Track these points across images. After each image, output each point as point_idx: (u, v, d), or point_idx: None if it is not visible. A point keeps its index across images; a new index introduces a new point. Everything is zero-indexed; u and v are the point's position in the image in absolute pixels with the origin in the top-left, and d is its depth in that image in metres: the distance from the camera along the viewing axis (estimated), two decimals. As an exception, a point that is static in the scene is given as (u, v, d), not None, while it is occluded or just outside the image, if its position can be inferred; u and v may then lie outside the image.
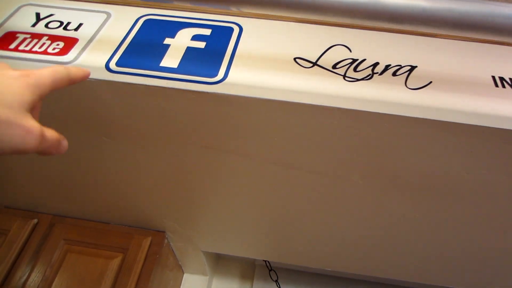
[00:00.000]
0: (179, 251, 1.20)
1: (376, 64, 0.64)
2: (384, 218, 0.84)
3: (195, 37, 0.69)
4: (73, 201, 1.03)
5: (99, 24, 0.71)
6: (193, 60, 0.65)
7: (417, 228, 0.85)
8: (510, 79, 0.63)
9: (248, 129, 0.67)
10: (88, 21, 0.72)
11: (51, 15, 0.74)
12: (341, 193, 0.79)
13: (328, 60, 0.65)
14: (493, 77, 0.63)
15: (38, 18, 0.73)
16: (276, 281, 1.43)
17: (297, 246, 1.05)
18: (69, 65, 0.64)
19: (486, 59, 0.66)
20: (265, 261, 1.42)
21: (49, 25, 0.71)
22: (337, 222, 0.89)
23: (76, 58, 0.65)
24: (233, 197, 0.88)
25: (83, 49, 0.67)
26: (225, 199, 0.90)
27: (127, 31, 0.70)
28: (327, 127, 0.63)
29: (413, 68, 0.64)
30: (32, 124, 0.33)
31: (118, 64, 0.64)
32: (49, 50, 0.66)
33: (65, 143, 0.37)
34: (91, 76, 0.61)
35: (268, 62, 0.64)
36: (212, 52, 0.66)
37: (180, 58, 0.65)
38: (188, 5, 0.72)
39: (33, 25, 0.71)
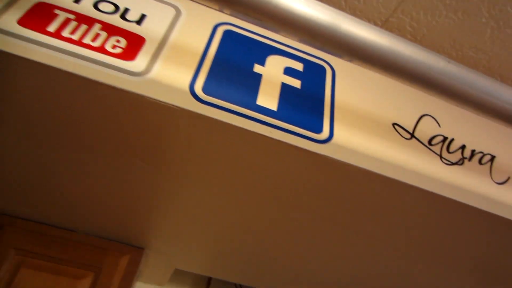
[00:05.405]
0: (148, 268, 1.06)
1: (463, 147, 0.62)
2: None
3: (288, 71, 0.58)
4: (31, 198, 0.81)
5: (169, 22, 0.55)
6: (293, 104, 0.54)
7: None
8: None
9: (334, 192, 0.59)
10: (152, 13, 0.55)
11: (99, -11, 0.54)
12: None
13: (423, 133, 0.61)
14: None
15: (82, -11, 0.53)
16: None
17: (268, 271, 1.01)
18: (139, 78, 0.48)
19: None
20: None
21: (100, 6, 0.52)
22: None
23: (148, 69, 0.49)
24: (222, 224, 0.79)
25: (155, 56, 0.50)
26: (212, 223, 0.80)
27: (206, 42, 0.55)
28: (405, 204, 0.60)
29: (493, 157, 0.64)
30: None
31: (205, 91, 0.50)
32: (108, 47, 0.49)
33: None
34: (171, 102, 0.47)
35: (368, 123, 0.58)
36: (310, 97, 0.56)
37: (278, 97, 0.54)
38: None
39: (76, 0, 0.51)
